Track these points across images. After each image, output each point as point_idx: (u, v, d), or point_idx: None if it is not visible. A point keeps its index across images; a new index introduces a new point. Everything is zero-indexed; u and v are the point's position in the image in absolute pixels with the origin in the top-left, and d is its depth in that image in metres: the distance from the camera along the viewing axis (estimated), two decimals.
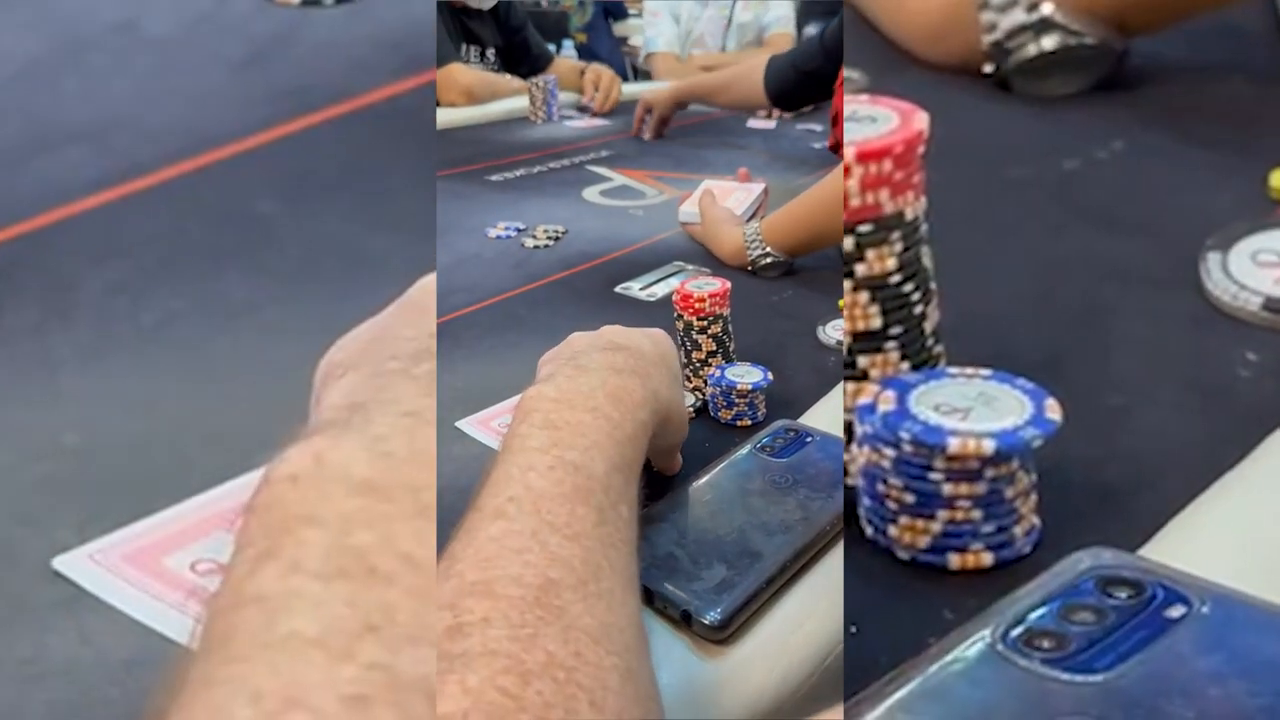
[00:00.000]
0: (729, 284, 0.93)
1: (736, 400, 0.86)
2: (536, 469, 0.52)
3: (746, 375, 0.87)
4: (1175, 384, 0.75)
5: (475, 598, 0.43)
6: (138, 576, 0.66)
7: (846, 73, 1.20)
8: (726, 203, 1.38)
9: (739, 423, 0.87)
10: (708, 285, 0.92)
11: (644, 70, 3.44)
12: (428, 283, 0.52)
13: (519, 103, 2.34)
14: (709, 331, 0.91)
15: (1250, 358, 0.77)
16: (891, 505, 0.63)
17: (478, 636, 0.41)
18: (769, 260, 1.21)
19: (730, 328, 0.93)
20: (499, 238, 1.41)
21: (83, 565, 0.67)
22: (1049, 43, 1.08)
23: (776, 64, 1.92)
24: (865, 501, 0.65)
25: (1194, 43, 1.19)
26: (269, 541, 0.34)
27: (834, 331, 1.02)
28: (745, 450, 0.78)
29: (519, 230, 1.43)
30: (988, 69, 1.11)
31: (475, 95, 2.34)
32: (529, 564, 0.46)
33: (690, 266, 1.28)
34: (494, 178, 1.77)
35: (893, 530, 0.63)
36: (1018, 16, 1.08)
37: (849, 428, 0.66)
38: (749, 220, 1.30)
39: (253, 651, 0.31)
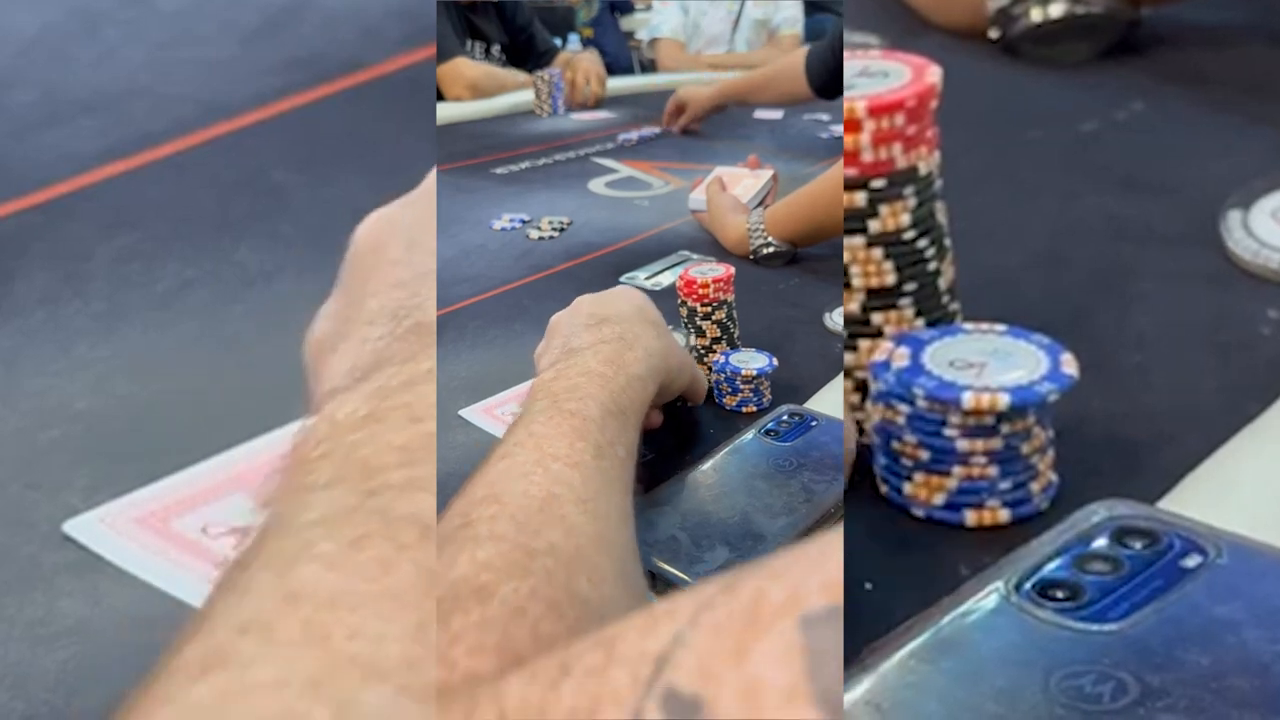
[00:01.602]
0: (733, 270, 0.92)
1: (741, 386, 0.85)
2: (537, 420, 0.57)
3: (751, 361, 0.86)
4: (1195, 341, 0.75)
5: (484, 504, 0.47)
6: (148, 539, 0.66)
7: (863, 39, 1.19)
8: (735, 190, 1.36)
9: (744, 409, 0.85)
10: (711, 271, 0.91)
11: (650, 62, 3.41)
12: (362, 234, 0.56)
13: (524, 96, 2.32)
14: (713, 317, 0.90)
15: (1271, 315, 0.76)
16: (906, 462, 0.62)
17: (486, 527, 0.45)
18: (770, 250, 1.20)
19: (734, 314, 0.92)
20: (504, 230, 1.40)
21: (93, 528, 0.67)
22: (1056, 10, 1.07)
23: (816, 53, 1.83)
24: (880, 459, 0.64)
25: (1214, 5, 1.18)
26: (288, 485, 0.38)
27: (841, 318, 1.01)
28: (749, 435, 0.77)
29: (524, 222, 1.42)
30: (993, 34, 1.10)
31: (480, 89, 2.32)
32: (533, 483, 0.50)
33: (696, 255, 1.26)
34: (499, 171, 1.76)
35: (908, 488, 0.63)
36: None
37: (851, 402, 0.66)
38: (756, 208, 1.29)
39: (270, 545, 0.35)
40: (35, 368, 0.83)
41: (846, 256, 0.66)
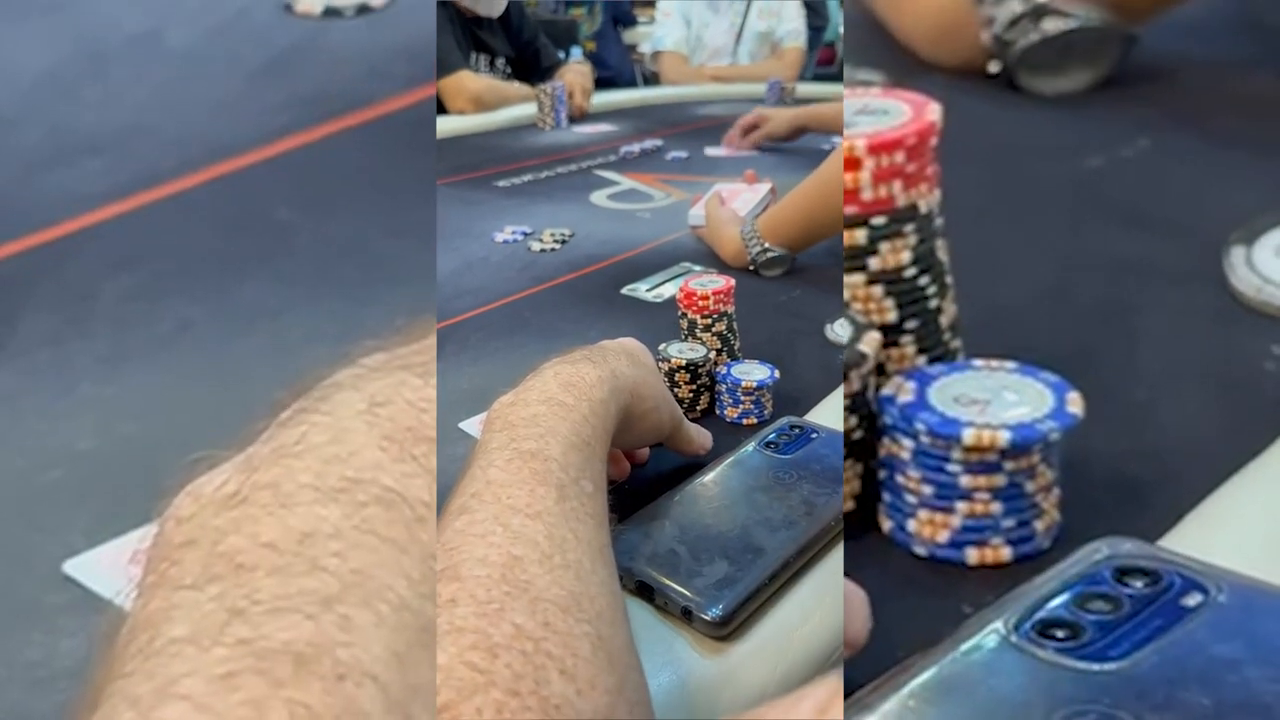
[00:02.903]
0: (733, 281, 0.93)
1: (743, 398, 0.85)
2: (495, 464, 0.54)
3: (752, 373, 0.86)
4: (1199, 378, 0.75)
5: (442, 583, 0.45)
6: None
7: (865, 75, 1.20)
8: (733, 204, 1.38)
9: (745, 421, 0.86)
10: (712, 283, 0.92)
11: (653, 75, 3.42)
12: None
13: (526, 110, 2.33)
14: (713, 329, 0.91)
15: (1275, 352, 0.76)
16: (910, 498, 0.62)
17: (445, 617, 0.43)
18: (769, 255, 1.20)
19: (735, 326, 0.93)
20: (506, 242, 1.41)
21: (93, 568, 0.67)
22: (1051, 26, 1.07)
23: None
24: (885, 496, 0.64)
25: (1218, 39, 1.18)
26: (155, 575, 0.36)
27: (842, 330, 1.02)
28: (750, 447, 0.78)
29: (526, 234, 1.43)
30: (993, 68, 1.10)
31: (484, 102, 2.34)
32: (493, 545, 0.47)
33: (698, 267, 1.28)
34: (501, 183, 1.78)
35: (911, 524, 0.63)
36: (1013, 7, 1.07)
37: (848, 434, 0.66)
38: (750, 217, 1.30)
39: (135, 665, 0.33)
40: (38, 407, 0.84)
41: (846, 294, 0.66)
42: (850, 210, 0.65)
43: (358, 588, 0.35)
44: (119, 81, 1.37)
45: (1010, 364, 0.66)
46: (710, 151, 2.03)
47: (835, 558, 0.67)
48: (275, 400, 0.44)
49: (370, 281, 0.99)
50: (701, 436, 0.79)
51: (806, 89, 2.73)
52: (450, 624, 0.42)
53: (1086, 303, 0.84)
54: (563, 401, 0.60)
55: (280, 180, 1.17)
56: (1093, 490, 0.65)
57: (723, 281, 0.93)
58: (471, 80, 2.38)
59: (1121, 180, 0.99)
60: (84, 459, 0.78)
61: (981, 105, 1.09)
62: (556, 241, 1.39)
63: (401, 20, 1.54)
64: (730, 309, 0.92)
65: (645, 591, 0.63)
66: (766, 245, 1.20)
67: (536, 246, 1.38)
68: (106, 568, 0.67)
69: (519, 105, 2.37)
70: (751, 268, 1.22)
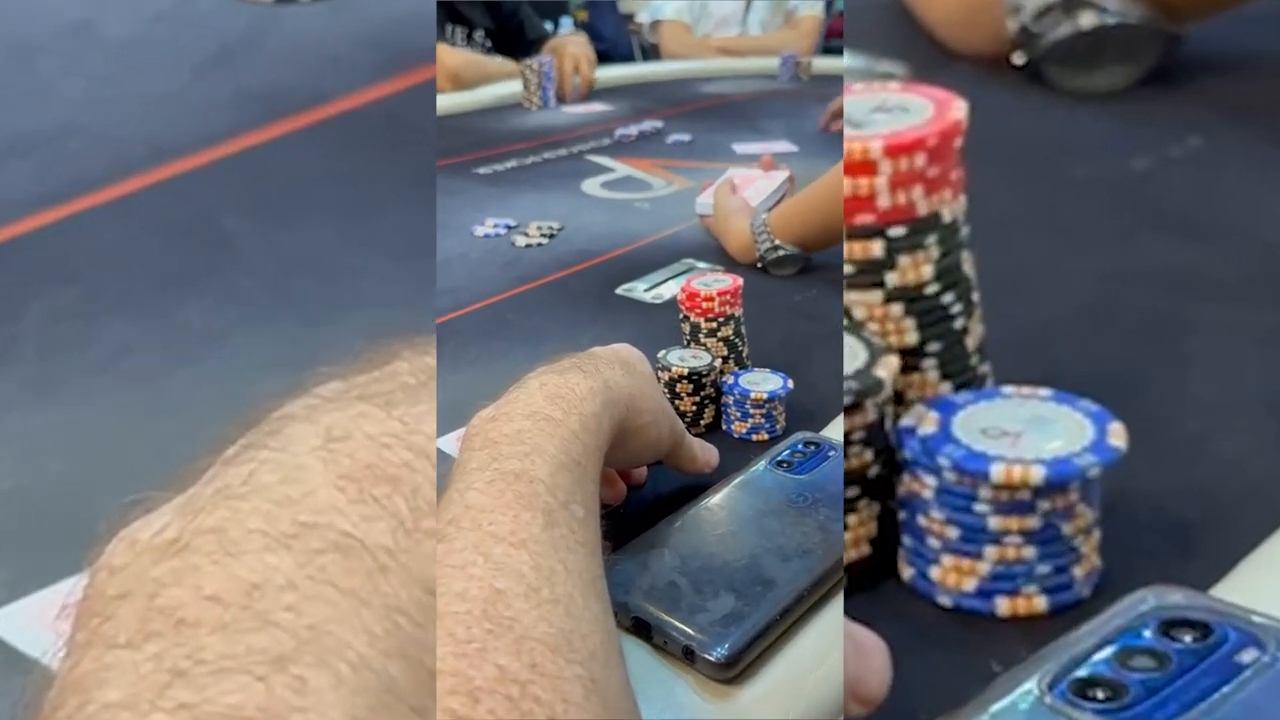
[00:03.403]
0: (741, 281, 0.93)
1: (752, 411, 0.85)
2: (475, 487, 0.54)
3: (763, 383, 0.86)
4: (1256, 407, 0.75)
5: None
6: None
7: (887, 67, 1.20)
8: (746, 192, 1.37)
9: (754, 436, 0.86)
10: (717, 283, 0.92)
11: (652, 48, 3.40)
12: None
13: (511, 88, 2.32)
14: (719, 334, 0.91)
15: None
16: (933, 542, 0.62)
17: None
18: (780, 254, 1.20)
19: (743, 330, 0.93)
20: (487, 236, 1.41)
21: (17, 623, 0.67)
22: (1086, 20, 1.07)
23: None
24: (906, 539, 0.64)
25: (1276, 29, 1.19)
26: (86, 632, 0.36)
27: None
28: (760, 466, 0.77)
29: (509, 227, 1.43)
30: (1018, 60, 1.10)
31: (462, 79, 2.32)
32: (473, 577, 0.47)
33: (702, 264, 1.28)
34: (482, 170, 1.77)
35: (935, 571, 0.63)
36: None
37: (863, 470, 0.66)
38: (762, 209, 1.29)
39: None
40: None
41: (862, 313, 0.66)
42: (866, 220, 0.65)
43: (313, 645, 0.35)
44: (48, 76, 1.37)
45: (1045, 391, 0.66)
46: (740, 148, 1.93)
47: None
48: (221, 434, 0.44)
49: (330, 300, 0.99)
50: (706, 454, 0.79)
51: (822, 63, 2.72)
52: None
53: (1130, 322, 0.84)
54: (550, 416, 0.60)
55: (229, 185, 1.17)
56: (1137, 533, 0.65)
57: (729, 281, 0.92)
58: (449, 55, 2.35)
59: (1170, 184, 0.99)
60: (6, 500, 0.78)
61: (1013, 100, 1.09)
62: (544, 235, 1.39)
63: (365, 4, 1.54)
64: (738, 311, 0.92)
65: (642, 629, 0.62)
66: (777, 242, 1.20)
67: (521, 241, 1.37)
68: (32, 623, 0.67)
69: (502, 82, 2.36)
70: (760, 265, 1.22)
